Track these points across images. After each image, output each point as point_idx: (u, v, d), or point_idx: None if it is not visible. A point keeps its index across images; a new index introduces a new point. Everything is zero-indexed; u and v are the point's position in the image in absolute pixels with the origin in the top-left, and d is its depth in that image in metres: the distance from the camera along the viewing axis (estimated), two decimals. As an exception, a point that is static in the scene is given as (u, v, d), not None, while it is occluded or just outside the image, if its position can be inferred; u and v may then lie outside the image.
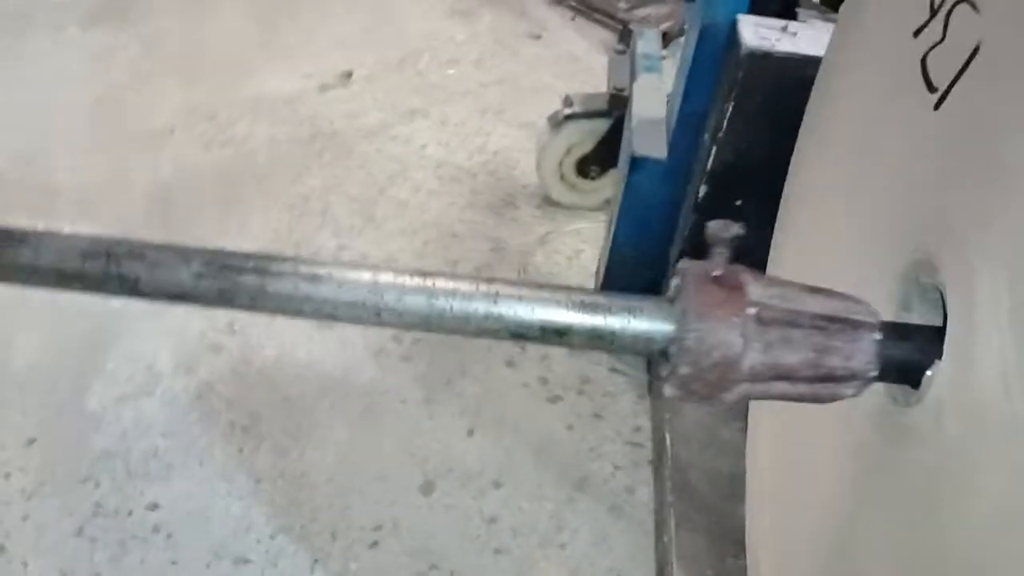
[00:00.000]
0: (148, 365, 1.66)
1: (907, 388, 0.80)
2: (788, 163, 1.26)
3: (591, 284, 1.91)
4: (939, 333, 0.77)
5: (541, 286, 0.79)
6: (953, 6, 0.86)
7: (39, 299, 1.72)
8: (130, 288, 0.79)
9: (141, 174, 2.09)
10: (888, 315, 0.87)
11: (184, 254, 0.80)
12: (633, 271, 1.66)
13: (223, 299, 0.80)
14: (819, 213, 1.15)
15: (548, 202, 2.12)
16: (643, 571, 1.41)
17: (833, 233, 1.09)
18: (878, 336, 0.73)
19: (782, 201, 1.27)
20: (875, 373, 0.73)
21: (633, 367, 1.73)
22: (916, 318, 0.84)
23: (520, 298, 0.77)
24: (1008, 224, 0.68)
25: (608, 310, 0.76)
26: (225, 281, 0.79)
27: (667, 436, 1.46)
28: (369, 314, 0.78)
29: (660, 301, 0.74)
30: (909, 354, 0.78)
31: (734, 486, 1.35)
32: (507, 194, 2.16)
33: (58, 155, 2.12)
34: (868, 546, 0.85)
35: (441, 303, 0.78)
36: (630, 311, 0.74)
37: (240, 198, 2.04)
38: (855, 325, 0.73)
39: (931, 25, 0.90)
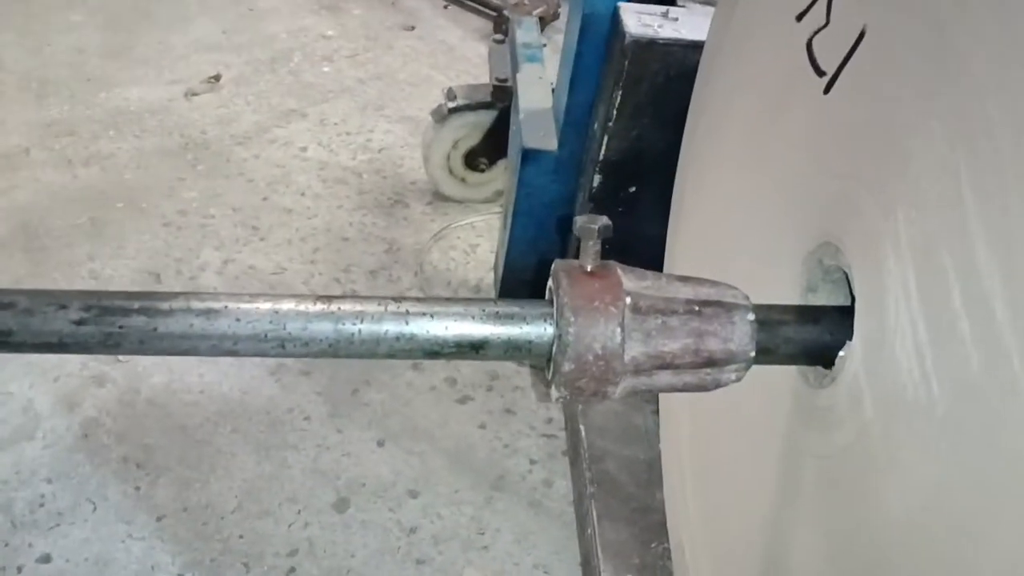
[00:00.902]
0: (24, 406, 1.53)
1: (820, 370, 0.82)
2: (677, 147, 1.27)
3: (490, 278, 1.89)
4: (848, 313, 0.78)
5: (450, 300, 0.77)
6: (834, -11, 0.87)
7: None
8: (1, 342, 0.72)
9: (-4, 199, 1.94)
10: (795, 298, 0.89)
11: (60, 298, 0.73)
12: (531, 266, 1.65)
13: (108, 345, 0.74)
14: (715, 200, 1.16)
15: (439, 197, 2.08)
16: (568, 564, 1.41)
17: (731, 220, 1.10)
18: (751, 317, 0.74)
19: (675, 191, 1.27)
20: (753, 354, 0.74)
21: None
22: (823, 299, 0.86)
23: (432, 315, 0.75)
24: (912, 208, 0.70)
25: (523, 319, 0.75)
26: (109, 325, 0.73)
27: (581, 427, 1.46)
28: (273, 346, 0.74)
29: (537, 304, 0.73)
30: (819, 335, 0.80)
31: (652, 472, 1.37)
32: (396, 192, 2.11)
33: (-102, 184, 1.94)
34: (798, 525, 0.86)
35: (348, 327, 0.74)
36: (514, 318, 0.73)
37: (111, 219, 1.92)
38: (729, 308, 0.74)
39: (814, 9, 0.92)
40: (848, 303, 0.79)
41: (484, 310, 0.75)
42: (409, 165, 2.18)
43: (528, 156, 1.54)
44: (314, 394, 1.62)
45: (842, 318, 0.79)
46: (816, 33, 0.90)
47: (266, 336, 0.74)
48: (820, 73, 0.89)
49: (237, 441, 1.53)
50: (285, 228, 1.95)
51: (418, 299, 0.76)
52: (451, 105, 1.93)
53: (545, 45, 1.89)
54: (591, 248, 0.75)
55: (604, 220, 0.76)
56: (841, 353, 0.78)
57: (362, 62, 2.57)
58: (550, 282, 0.75)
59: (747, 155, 1.07)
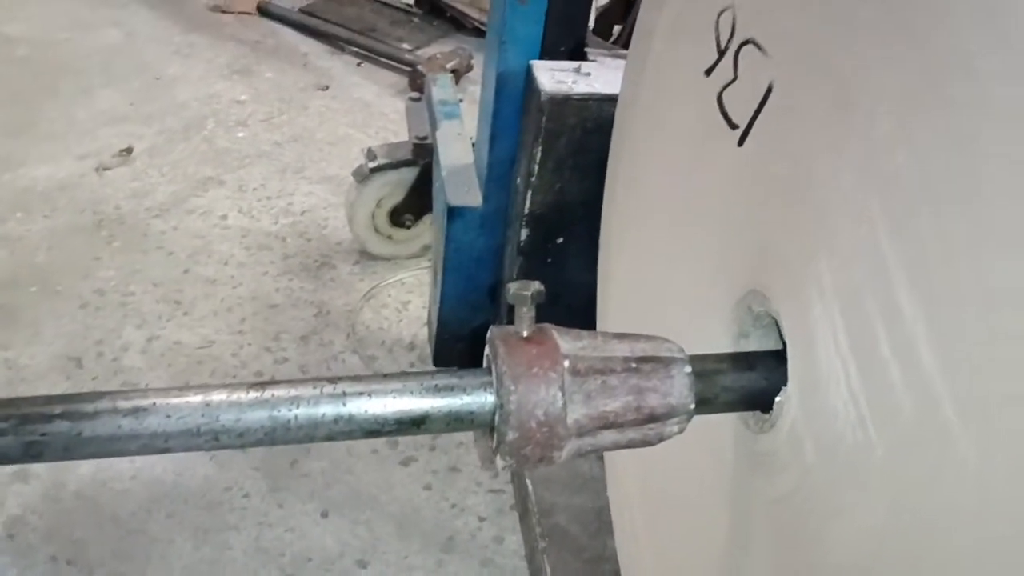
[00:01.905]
0: (-58, 512, 1.45)
1: (759, 414, 0.84)
2: (600, 197, 1.29)
3: (424, 333, 1.88)
4: (781, 358, 0.80)
5: (387, 377, 0.76)
6: (740, 47, 0.91)
7: None
8: None
9: (-102, 292, 1.84)
10: (727, 346, 0.91)
11: None
12: (465, 321, 1.65)
13: (31, 455, 0.71)
14: (641, 251, 1.18)
15: (366, 256, 2.07)
16: (526, 621, 1.39)
17: (659, 271, 1.12)
18: (688, 369, 0.75)
19: (601, 242, 1.29)
20: (693, 406, 0.75)
21: (479, 413, 1.71)
22: (755, 345, 0.88)
23: (370, 394, 0.74)
24: (833, 256, 0.72)
25: (463, 391, 0.75)
26: (30, 434, 0.70)
27: (528, 481, 1.45)
28: (207, 440, 0.72)
29: (475, 374, 0.73)
30: (755, 381, 0.82)
31: (601, 520, 1.37)
32: (322, 254, 2.08)
33: None
34: (752, 571, 0.87)
35: (284, 414, 0.73)
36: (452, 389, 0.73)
37: (24, 305, 1.85)
38: (666, 362, 0.75)
39: (721, 64, 0.95)
40: (780, 347, 0.81)
41: (423, 384, 0.74)
42: (333, 226, 2.16)
43: (454, 213, 1.55)
44: (251, 469, 1.58)
45: (776, 363, 0.80)
46: (726, 87, 0.93)
47: (199, 430, 0.72)
48: (733, 126, 0.92)
49: (173, 527, 1.47)
50: (210, 299, 1.91)
51: (354, 378, 0.75)
52: (372, 165, 1.93)
53: (461, 100, 1.91)
54: (526, 314, 0.75)
55: (537, 285, 0.76)
56: (778, 398, 0.80)
57: (278, 124, 2.55)
58: (487, 350, 0.75)
59: (669, 206, 1.09)
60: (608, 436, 0.75)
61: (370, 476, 1.60)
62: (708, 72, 0.97)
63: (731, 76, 0.92)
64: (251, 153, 2.41)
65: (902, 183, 0.64)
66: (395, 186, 1.97)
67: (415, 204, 1.97)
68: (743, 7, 0.91)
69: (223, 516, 1.50)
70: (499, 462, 0.74)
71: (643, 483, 1.19)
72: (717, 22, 0.95)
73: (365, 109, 2.67)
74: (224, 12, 3.13)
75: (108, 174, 2.26)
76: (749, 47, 0.89)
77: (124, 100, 2.57)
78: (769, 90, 0.84)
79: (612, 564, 1.28)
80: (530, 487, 1.44)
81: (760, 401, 0.82)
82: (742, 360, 0.85)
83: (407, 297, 1.99)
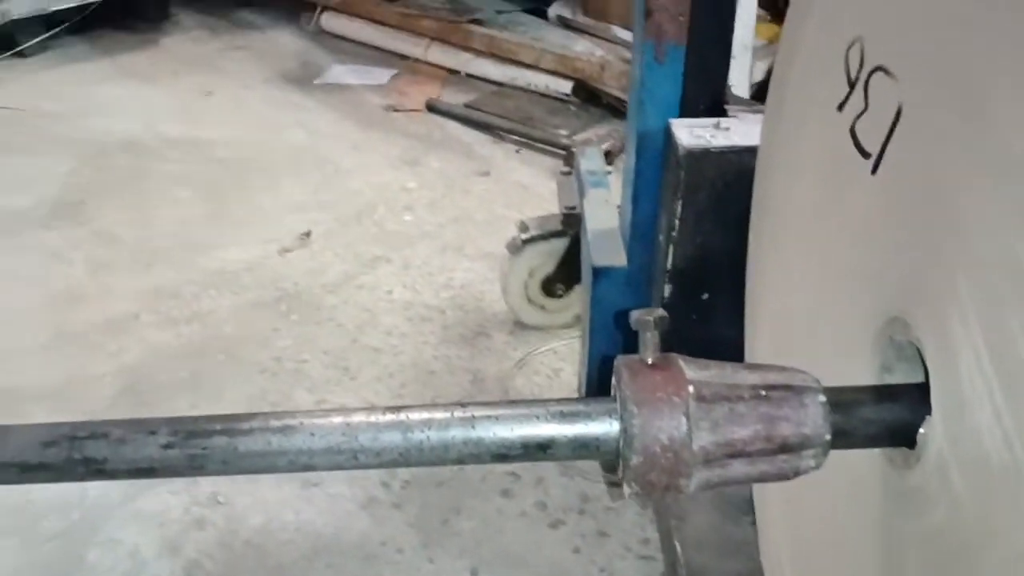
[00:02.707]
0: (131, 551, 1.59)
1: (904, 451, 0.79)
2: (744, 250, 1.29)
3: (574, 401, 1.89)
4: (924, 389, 0.76)
5: (515, 403, 0.78)
6: (869, 76, 0.90)
7: (10, 503, 1.67)
8: (97, 470, 0.76)
9: (106, 363, 2.07)
10: (871, 381, 0.87)
11: (149, 426, 0.78)
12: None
13: (194, 466, 0.78)
14: (786, 296, 1.16)
15: (519, 326, 2.13)
16: None
17: (803, 313, 1.10)
18: (823, 399, 0.72)
19: (747, 292, 1.28)
20: (829, 436, 0.72)
21: (630, 479, 1.69)
22: (899, 378, 0.84)
23: (497, 418, 0.76)
24: (971, 270, 0.69)
25: (588, 417, 0.75)
26: (194, 447, 0.77)
27: (676, 544, 1.41)
28: (346, 458, 0.77)
29: (601, 401, 0.73)
30: (898, 413, 0.78)
31: (753, 584, 1.30)
32: (478, 325, 2.16)
33: (19, 356, 2.10)
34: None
35: (417, 435, 0.76)
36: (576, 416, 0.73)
37: (210, 371, 2.02)
38: (799, 391, 0.73)
39: (852, 97, 0.95)
40: (923, 379, 0.77)
41: (549, 410, 0.76)
42: (489, 298, 2.24)
43: (599, 274, 1.58)
44: (406, 525, 1.63)
45: (919, 393, 0.77)
46: (858, 118, 0.93)
47: (340, 448, 0.77)
48: (866, 155, 0.91)
49: (332, 577, 1.54)
50: (373, 366, 2.02)
51: (484, 404, 0.78)
52: (524, 236, 2.01)
53: (611, 172, 1.97)
54: (650, 340, 0.75)
55: (660, 312, 0.77)
56: (922, 429, 0.76)
57: (441, 208, 2.70)
58: (613, 379, 0.75)
59: (810, 249, 1.08)
60: (738, 467, 0.73)
61: (519, 537, 1.61)
62: (840, 107, 0.97)
63: (862, 106, 0.92)
64: (416, 234, 2.56)
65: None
66: (547, 256, 2.03)
67: (566, 274, 2.02)
68: (871, 37, 0.91)
69: (378, 568, 1.55)
70: (625, 489, 0.74)
71: (793, 542, 1.14)
72: (846, 56, 0.95)
73: (522, 191, 2.79)
74: (397, 111, 3.38)
75: (289, 255, 2.47)
76: (878, 74, 0.89)
77: (305, 190, 2.81)
78: (899, 113, 0.83)
79: (765, 630, 1.21)
80: (679, 549, 1.40)
81: (904, 435, 0.78)
82: (884, 392, 0.82)
83: (559, 365, 2.02)
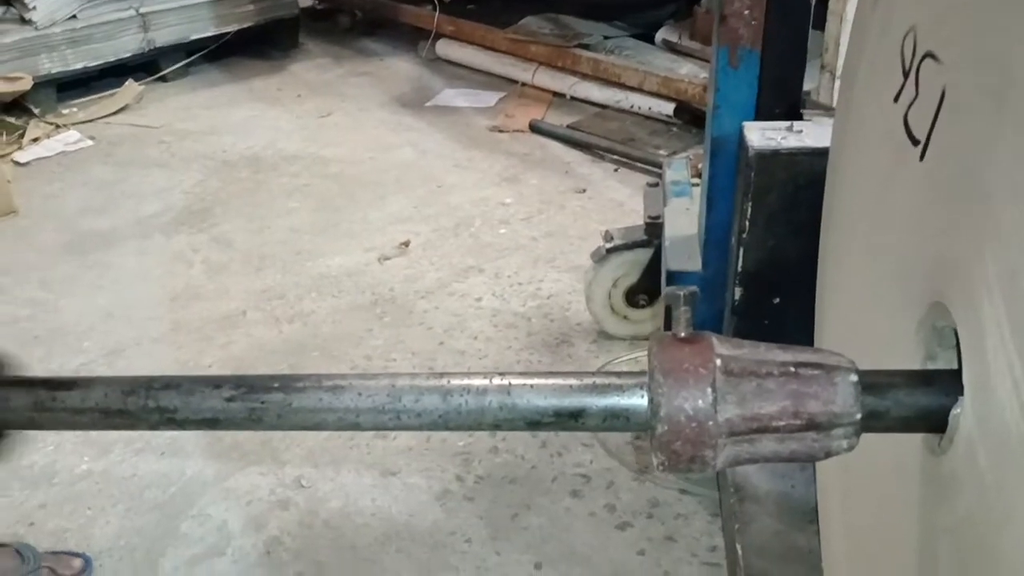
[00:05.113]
0: (219, 526, 1.69)
1: (940, 437, 0.78)
2: (815, 254, 1.28)
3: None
4: (957, 374, 0.76)
5: (550, 374, 0.81)
6: (920, 63, 0.91)
7: (119, 474, 1.81)
8: (168, 419, 0.83)
9: (215, 353, 2.21)
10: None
11: (215, 381, 0.84)
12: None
13: (252, 419, 0.83)
14: (848, 297, 1.15)
15: (603, 336, 2.15)
16: None
17: (861, 310, 1.09)
18: (854, 378, 0.71)
19: (817, 295, 1.27)
20: (859, 416, 0.71)
21: (703, 486, 1.68)
22: (941, 366, 0.83)
23: (532, 387, 0.80)
24: (997, 242, 0.69)
25: (620, 389, 0.78)
26: (253, 401, 0.83)
27: (738, 548, 1.40)
28: (390, 418, 0.81)
29: (634, 375, 0.75)
30: (931, 397, 0.77)
31: (813, 591, 1.28)
32: (562, 333, 2.20)
33: (142, 346, 2.27)
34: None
35: (456, 400, 0.80)
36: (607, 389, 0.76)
37: (306, 365, 2.14)
38: (829, 369, 0.72)
39: (906, 86, 0.95)
40: (958, 365, 0.76)
41: (582, 381, 0.79)
42: (576, 309, 2.28)
43: (673, 278, 1.59)
44: (476, 518, 1.67)
45: (953, 377, 0.76)
46: (910, 107, 0.93)
47: (384, 408, 0.81)
48: (915, 142, 0.90)
49: (402, 561, 1.59)
50: (457, 368, 2.08)
51: (521, 373, 0.82)
52: (608, 246, 2.03)
53: (696, 184, 1.97)
54: (682, 315, 0.77)
55: (691, 288, 0.79)
56: (954, 410, 0.75)
57: (536, 223, 2.76)
58: (645, 352, 0.78)
59: (870, 245, 1.07)
60: (767, 444, 0.73)
61: (586, 536, 1.62)
62: (896, 98, 0.97)
63: (914, 94, 0.92)
64: (510, 246, 2.62)
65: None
66: (631, 266, 2.05)
67: (649, 284, 2.03)
68: (922, 23, 0.91)
69: (446, 557, 1.60)
70: (652, 459, 0.75)
71: (849, 541, 1.12)
72: (902, 46, 0.95)
73: (617, 208, 2.81)
74: (501, 131, 3.48)
75: (388, 263, 2.58)
76: (927, 61, 0.89)
77: (409, 204, 2.93)
78: (943, 96, 0.83)
79: (822, 638, 1.18)
80: (739, 553, 1.38)
81: (937, 419, 0.77)
82: (918, 375, 0.81)
83: (640, 375, 2.02)
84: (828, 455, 0.75)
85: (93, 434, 1.89)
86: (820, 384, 0.73)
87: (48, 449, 1.89)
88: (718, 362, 0.72)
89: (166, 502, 1.76)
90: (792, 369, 0.74)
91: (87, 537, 1.68)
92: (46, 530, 1.70)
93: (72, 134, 3.60)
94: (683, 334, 0.75)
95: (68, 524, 1.71)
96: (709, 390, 0.71)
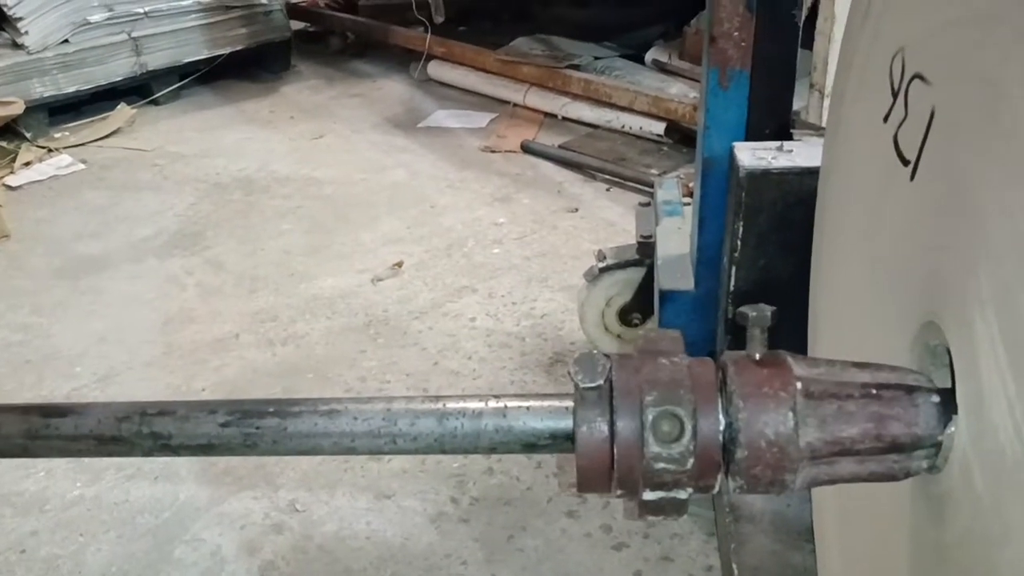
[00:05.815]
0: (213, 551, 1.68)
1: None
2: (807, 272, 1.28)
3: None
4: (952, 392, 0.76)
5: (547, 395, 0.81)
6: (908, 84, 0.92)
7: (111, 500, 1.80)
8: (163, 445, 0.83)
9: (208, 376, 2.21)
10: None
11: (209, 406, 0.84)
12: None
13: (247, 444, 0.83)
14: (840, 316, 1.16)
15: (596, 356, 2.14)
16: None
17: (854, 329, 1.09)
18: (937, 399, 0.70)
19: (810, 310, 1.28)
20: (942, 438, 0.70)
21: (699, 505, 1.68)
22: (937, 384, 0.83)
23: (528, 409, 0.79)
24: (989, 260, 0.69)
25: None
26: (248, 427, 0.82)
27: (734, 568, 1.39)
28: (385, 442, 0.81)
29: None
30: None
31: (810, 610, 1.27)
32: (555, 352, 2.20)
33: (135, 370, 2.26)
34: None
35: (452, 423, 0.80)
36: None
37: (300, 387, 2.13)
38: (910, 390, 0.71)
39: (895, 106, 0.96)
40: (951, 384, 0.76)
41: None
42: (569, 328, 2.28)
43: (665, 297, 1.60)
44: (471, 540, 1.66)
45: (947, 396, 0.76)
46: (900, 127, 0.94)
47: (379, 432, 0.81)
48: (906, 162, 0.91)
49: (397, 585, 1.58)
50: (452, 388, 2.08)
51: (517, 395, 0.82)
52: (601, 265, 2.03)
53: (688, 204, 1.98)
54: (758, 336, 0.75)
55: (769, 308, 0.77)
56: (949, 428, 0.75)
57: (528, 242, 2.77)
58: (719, 371, 0.73)
59: (860, 265, 1.08)
60: (846, 465, 0.71)
61: (581, 557, 1.62)
62: (885, 118, 0.98)
63: (903, 115, 0.93)
64: (503, 266, 2.63)
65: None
66: (623, 285, 2.05)
67: (642, 303, 2.03)
68: (911, 44, 0.92)
69: (441, 580, 1.59)
70: (731, 484, 0.71)
71: (845, 567, 1.12)
72: (891, 66, 0.97)
73: (609, 227, 2.82)
74: (493, 151, 3.50)
75: (381, 284, 2.58)
76: (916, 81, 0.90)
77: (402, 225, 2.93)
78: (932, 116, 0.84)
79: (820, 658, 1.18)
80: (736, 573, 1.38)
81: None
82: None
83: (634, 394, 2.02)
84: (908, 476, 0.73)
85: (85, 460, 1.87)
86: (902, 406, 0.71)
87: (39, 475, 1.88)
88: (798, 385, 0.70)
89: (159, 527, 1.74)
90: (873, 391, 0.72)
91: (79, 564, 1.66)
92: (38, 557, 1.68)
93: (64, 158, 3.60)
94: (758, 356, 0.73)
95: (60, 551, 1.70)
96: (791, 414, 0.69)
